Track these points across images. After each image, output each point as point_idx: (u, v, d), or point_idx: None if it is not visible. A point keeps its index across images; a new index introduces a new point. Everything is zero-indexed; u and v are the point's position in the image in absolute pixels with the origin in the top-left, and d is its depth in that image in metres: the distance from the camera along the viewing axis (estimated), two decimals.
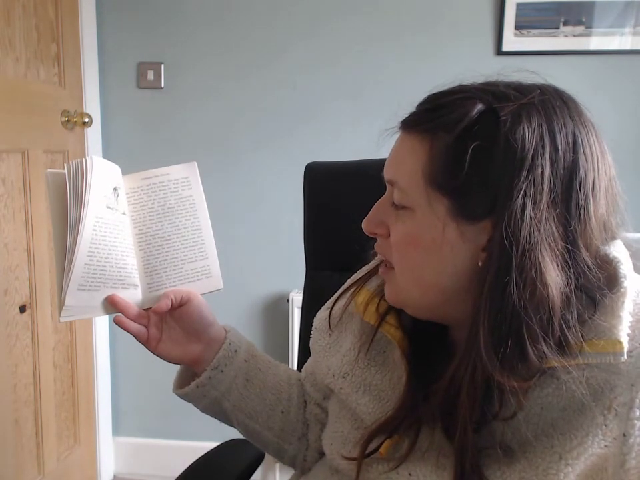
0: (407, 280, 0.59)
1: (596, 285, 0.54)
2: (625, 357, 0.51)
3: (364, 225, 0.61)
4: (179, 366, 0.78)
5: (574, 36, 1.71)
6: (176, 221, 0.72)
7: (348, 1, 1.78)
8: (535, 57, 1.72)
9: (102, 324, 1.94)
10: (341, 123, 1.82)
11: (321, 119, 1.83)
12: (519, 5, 1.70)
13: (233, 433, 0.83)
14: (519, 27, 1.71)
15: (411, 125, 0.57)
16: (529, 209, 0.50)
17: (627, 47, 1.70)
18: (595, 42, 1.70)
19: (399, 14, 1.76)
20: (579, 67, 1.72)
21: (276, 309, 1.93)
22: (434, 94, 0.58)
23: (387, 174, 0.60)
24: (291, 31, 1.81)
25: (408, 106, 0.59)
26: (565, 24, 1.70)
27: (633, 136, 1.72)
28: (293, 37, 1.81)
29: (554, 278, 0.51)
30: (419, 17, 1.76)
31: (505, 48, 1.73)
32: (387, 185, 0.61)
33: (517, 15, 1.71)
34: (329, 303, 0.77)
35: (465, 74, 0.58)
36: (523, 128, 0.51)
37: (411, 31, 1.77)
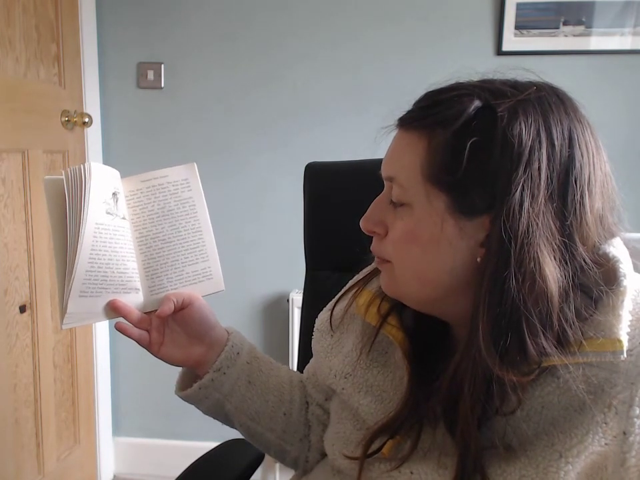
0: (406, 276, 0.59)
1: (593, 282, 0.54)
2: (625, 355, 0.51)
3: (362, 223, 0.61)
4: (179, 367, 0.78)
5: (574, 36, 1.71)
6: (176, 223, 0.72)
7: (348, 2, 1.78)
8: (534, 56, 1.72)
9: (102, 324, 1.94)
10: (341, 123, 1.82)
11: (321, 118, 1.83)
12: (518, 5, 1.70)
13: (233, 433, 0.83)
14: (518, 26, 1.72)
15: (408, 122, 0.58)
16: (526, 203, 0.51)
17: (627, 46, 1.70)
18: (595, 42, 1.70)
19: (399, 14, 1.77)
20: (579, 67, 1.72)
21: (276, 308, 1.93)
22: (431, 91, 0.58)
23: (384, 171, 0.60)
24: (292, 31, 1.81)
25: (405, 104, 0.59)
26: (565, 24, 1.70)
27: (633, 135, 1.72)
28: (292, 36, 1.81)
29: (552, 272, 0.51)
30: (419, 17, 1.76)
31: (504, 48, 1.73)
32: (384, 182, 0.61)
33: (517, 15, 1.71)
34: (330, 304, 0.77)
35: (461, 72, 0.58)
36: (520, 124, 0.52)
37: (412, 31, 1.77)
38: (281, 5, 1.80)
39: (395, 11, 1.77)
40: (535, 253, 0.51)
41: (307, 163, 1.04)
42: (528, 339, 0.51)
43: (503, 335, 0.51)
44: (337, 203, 1.02)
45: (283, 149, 1.85)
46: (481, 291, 0.53)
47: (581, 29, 1.70)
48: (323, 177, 1.04)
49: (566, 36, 1.71)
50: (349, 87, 1.81)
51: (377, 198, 0.62)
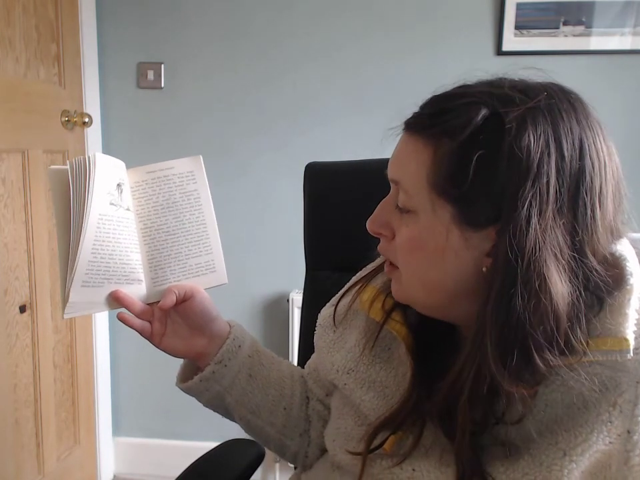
0: (412, 281, 0.59)
1: (603, 288, 0.54)
2: (632, 354, 0.51)
3: (368, 225, 0.61)
4: (179, 365, 0.79)
5: (574, 36, 1.71)
6: (180, 216, 0.72)
7: (348, 3, 1.78)
8: (534, 56, 1.72)
9: (102, 323, 1.95)
10: (341, 123, 1.82)
11: (321, 118, 1.83)
12: (518, 5, 1.70)
13: (233, 433, 0.83)
14: (518, 26, 1.72)
15: (414, 128, 0.57)
16: (534, 219, 0.50)
17: (627, 46, 1.70)
18: (595, 42, 1.70)
19: (399, 14, 1.77)
20: (579, 67, 1.72)
21: (276, 309, 1.93)
22: (438, 96, 0.57)
23: (390, 173, 0.60)
24: (291, 31, 1.81)
25: (411, 105, 0.58)
26: (565, 24, 1.70)
27: (632, 135, 1.72)
28: (292, 36, 1.81)
29: (559, 289, 0.51)
30: (419, 17, 1.76)
31: (505, 48, 1.73)
32: (391, 183, 0.60)
33: (517, 15, 1.71)
34: (333, 300, 0.76)
35: (469, 74, 0.57)
36: (529, 135, 0.50)
37: (412, 31, 1.77)
38: (281, 6, 1.80)
39: (394, 11, 1.77)
40: (541, 271, 0.50)
41: (307, 163, 1.04)
42: (534, 354, 0.51)
43: (509, 351, 0.51)
44: (337, 202, 1.02)
45: (283, 149, 1.85)
46: (486, 309, 0.52)
47: (580, 28, 1.70)
48: (323, 177, 1.04)
49: (566, 36, 1.71)
50: (349, 87, 1.81)
51: (384, 200, 0.61)
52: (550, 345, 0.51)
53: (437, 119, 0.54)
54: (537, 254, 0.50)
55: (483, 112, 0.52)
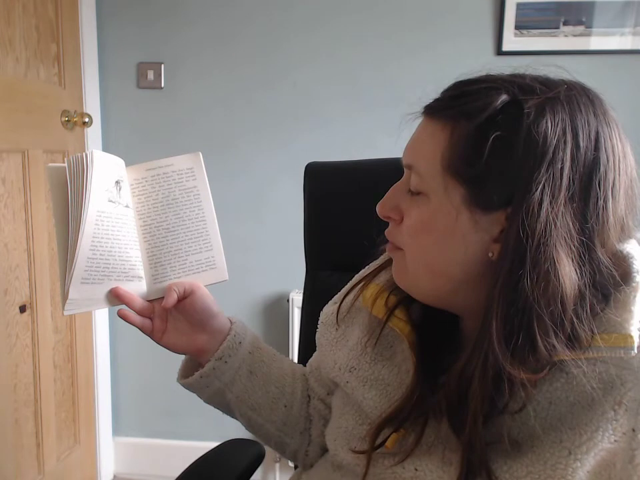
0: (417, 265, 0.59)
1: (610, 282, 0.54)
2: (636, 351, 0.51)
3: (378, 208, 0.61)
4: (179, 366, 0.79)
5: (574, 36, 1.71)
6: (180, 212, 0.72)
7: (349, 3, 1.78)
8: (534, 56, 1.72)
9: (102, 323, 1.95)
10: (341, 123, 1.82)
11: (321, 118, 1.83)
12: (518, 5, 1.70)
13: (233, 433, 0.83)
14: (518, 26, 1.72)
15: (433, 110, 0.57)
16: (546, 203, 0.50)
17: (627, 46, 1.70)
18: (595, 42, 1.70)
19: (399, 14, 1.77)
20: (579, 67, 1.71)
21: (276, 309, 1.93)
22: (460, 81, 0.57)
23: (405, 158, 0.60)
24: (291, 30, 1.81)
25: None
26: (565, 24, 1.70)
27: (633, 136, 1.72)
28: (293, 36, 1.81)
29: (568, 273, 0.51)
30: (419, 17, 1.76)
31: (505, 48, 1.73)
32: (404, 169, 0.60)
33: (517, 15, 1.71)
34: (336, 298, 0.76)
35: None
36: (546, 122, 0.51)
37: (412, 31, 1.77)
38: (281, 6, 1.80)
39: (394, 11, 1.77)
40: (551, 254, 0.50)
41: (307, 162, 1.04)
42: (539, 338, 0.51)
43: (515, 333, 0.51)
44: (337, 202, 1.02)
45: (283, 149, 1.85)
46: (495, 289, 0.52)
47: (580, 29, 1.70)
48: (323, 177, 1.04)
49: (566, 36, 1.71)
50: (349, 87, 1.81)
51: (395, 184, 0.61)
52: (556, 328, 0.51)
53: (456, 101, 0.55)
54: (547, 236, 0.50)
55: (503, 97, 0.52)
